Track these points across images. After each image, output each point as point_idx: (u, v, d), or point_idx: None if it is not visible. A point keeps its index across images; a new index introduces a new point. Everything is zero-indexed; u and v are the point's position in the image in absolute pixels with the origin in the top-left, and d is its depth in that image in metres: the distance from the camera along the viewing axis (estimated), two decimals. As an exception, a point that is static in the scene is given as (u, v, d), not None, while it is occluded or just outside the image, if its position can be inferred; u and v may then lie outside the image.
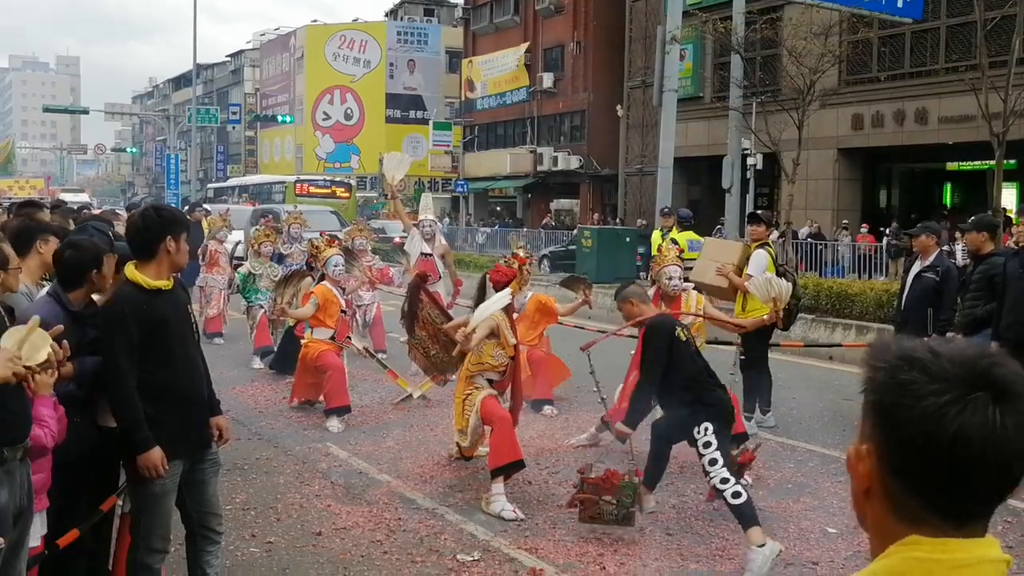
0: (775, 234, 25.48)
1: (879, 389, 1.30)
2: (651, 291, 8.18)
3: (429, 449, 8.35)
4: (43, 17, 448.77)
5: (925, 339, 1.34)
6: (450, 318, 8.85)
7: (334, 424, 9.11)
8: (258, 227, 15.35)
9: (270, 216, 20.01)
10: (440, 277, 11.96)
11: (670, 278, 8.26)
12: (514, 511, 6.62)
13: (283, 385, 10.89)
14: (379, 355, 11.80)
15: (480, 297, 7.58)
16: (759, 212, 10.28)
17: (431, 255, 12.03)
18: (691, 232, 13.88)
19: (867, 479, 1.33)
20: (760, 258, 9.22)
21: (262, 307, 12.73)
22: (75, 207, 13.41)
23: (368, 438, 8.80)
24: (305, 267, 11.97)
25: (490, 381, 7.22)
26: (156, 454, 4.24)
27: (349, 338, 9.95)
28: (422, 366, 9.50)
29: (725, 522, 6.28)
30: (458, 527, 6.39)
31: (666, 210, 16.02)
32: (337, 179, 44.63)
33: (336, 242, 10.73)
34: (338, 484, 7.35)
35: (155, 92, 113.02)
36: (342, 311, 9.72)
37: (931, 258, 8.97)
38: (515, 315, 7.59)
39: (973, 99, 16.88)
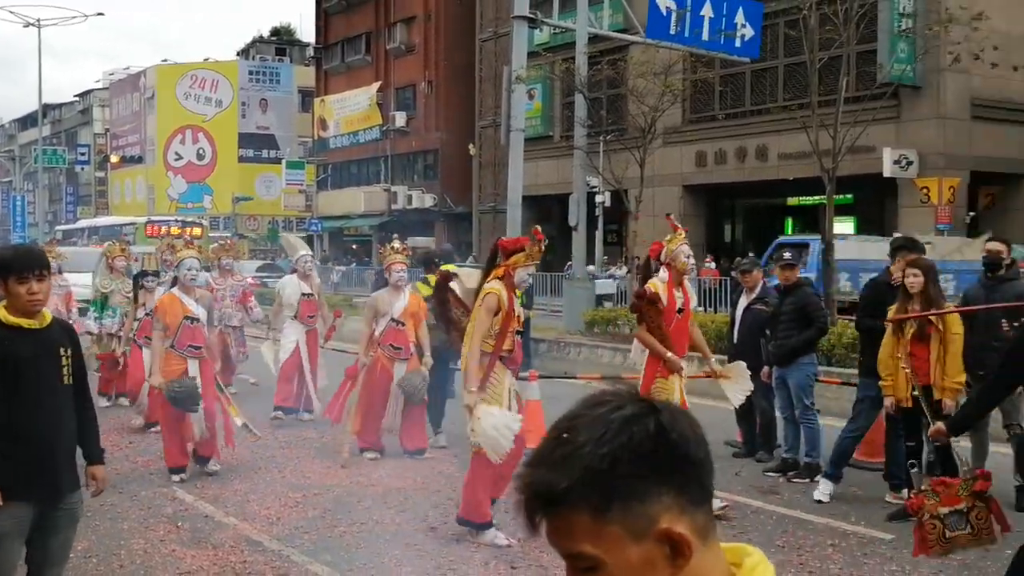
0: (623, 269, 26.20)
1: (652, 464, 1.27)
2: (663, 274, 7.77)
3: (276, 491, 8.28)
4: None
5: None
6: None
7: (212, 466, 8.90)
8: (112, 241, 14.83)
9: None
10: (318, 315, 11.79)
11: (688, 255, 7.81)
12: (507, 538, 6.78)
13: (127, 430, 10.64)
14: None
15: (490, 267, 7.20)
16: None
17: (312, 295, 11.63)
18: (452, 266, 14.31)
19: (683, 546, 1.26)
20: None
21: (104, 326, 12.28)
22: None
23: (215, 481, 8.66)
24: (142, 278, 11.51)
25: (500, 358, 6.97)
26: None
27: (197, 348, 8.85)
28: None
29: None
30: (304, 567, 6.36)
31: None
32: (189, 219, 43.84)
33: (192, 244, 9.85)
34: (184, 528, 7.22)
35: (0, 132, 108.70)
36: (188, 318, 8.74)
37: (757, 291, 9.42)
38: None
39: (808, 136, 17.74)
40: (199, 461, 8.87)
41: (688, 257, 7.74)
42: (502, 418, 6.70)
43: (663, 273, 7.71)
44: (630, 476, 1.24)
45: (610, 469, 1.23)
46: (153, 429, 10.21)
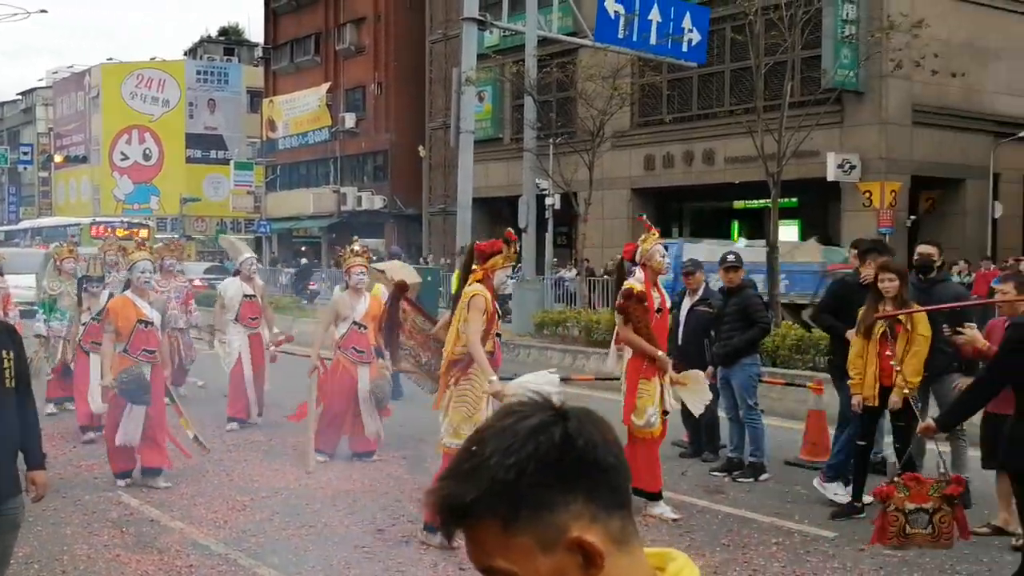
0: (573, 271, 26.33)
1: (560, 470, 1.25)
2: (639, 274, 7.83)
3: (224, 494, 8.23)
4: None
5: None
6: (435, 323, 8.34)
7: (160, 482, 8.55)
8: (59, 243, 14.54)
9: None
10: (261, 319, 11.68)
11: (663, 255, 7.92)
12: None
13: (71, 434, 10.51)
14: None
15: (468, 268, 7.26)
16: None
17: (255, 296, 11.52)
18: (385, 264, 14.66)
19: (594, 554, 1.24)
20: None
21: (53, 329, 11.91)
22: None
23: (143, 474, 8.54)
24: (87, 283, 11.01)
25: None
26: None
27: (151, 352, 8.59)
28: (413, 373, 8.77)
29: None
30: (251, 571, 6.35)
31: (463, 250, 16.44)
32: (135, 220, 43.40)
33: (145, 246, 9.69)
34: (128, 533, 7.16)
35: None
36: (142, 321, 8.48)
37: (700, 292, 9.55)
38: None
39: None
40: (146, 474, 8.58)
41: (663, 257, 7.84)
42: (537, 378, 6.76)
43: (639, 273, 7.79)
44: (537, 486, 1.23)
45: (516, 480, 1.22)
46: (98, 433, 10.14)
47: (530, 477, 1.23)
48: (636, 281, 7.72)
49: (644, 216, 8.52)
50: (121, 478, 8.53)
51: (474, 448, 1.27)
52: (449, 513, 1.26)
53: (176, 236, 51.86)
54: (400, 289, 8.58)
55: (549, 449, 1.24)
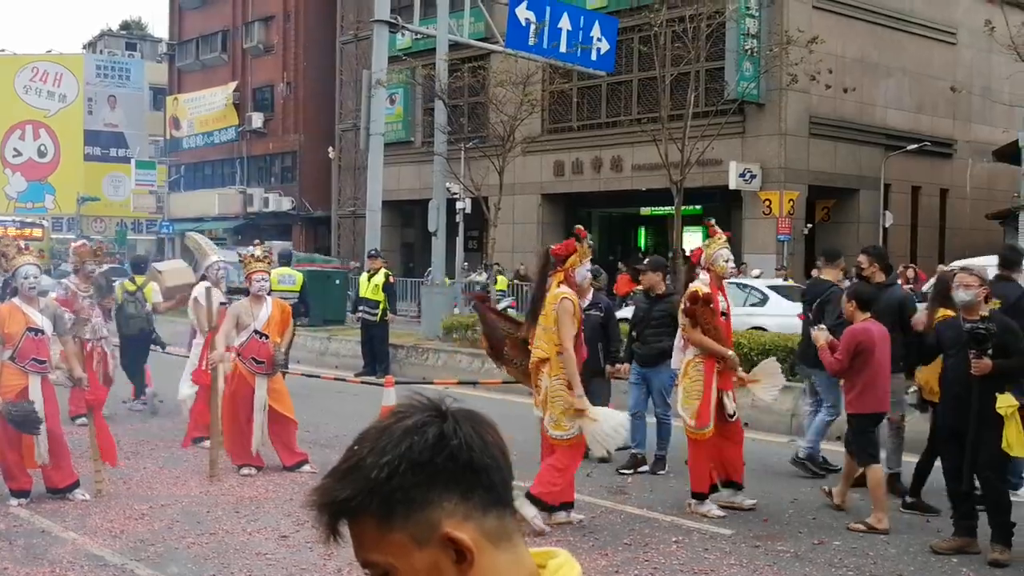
0: (483, 275, 26.39)
1: (423, 471, 1.29)
2: (704, 276, 7.96)
3: (121, 503, 8.03)
4: None
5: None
6: (519, 325, 8.24)
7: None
8: None
9: None
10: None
11: (727, 260, 8.02)
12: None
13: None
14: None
15: (543, 275, 7.45)
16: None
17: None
18: (284, 268, 14.94)
19: (464, 550, 1.28)
20: None
21: None
22: None
23: (53, 495, 8.30)
24: None
25: None
26: None
27: (42, 362, 8.11)
28: (520, 380, 8.61)
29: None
30: (148, 581, 6.23)
31: (373, 252, 16.44)
32: (28, 220, 42.13)
33: (29, 249, 8.84)
34: (17, 545, 6.92)
35: None
36: (32, 329, 8.04)
37: (590, 297, 9.72)
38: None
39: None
40: (54, 493, 8.16)
41: (727, 261, 8.05)
42: (618, 418, 7.41)
43: (704, 276, 7.98)
44: (409, 485, 1.27)
45: (388, 479, 1.27)
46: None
47: (402, 476, 1.27)
48: (701, 284, 7.91)
49: (713, 221, 8.72)
50: (16, 497, 8.05)
51: (355, 448, 1.32)
52: (325, 511, 1.31)
53: (73, 236, 50.59)
54: (480, 299, 8.59)
55: (422, 449, 1.28)
